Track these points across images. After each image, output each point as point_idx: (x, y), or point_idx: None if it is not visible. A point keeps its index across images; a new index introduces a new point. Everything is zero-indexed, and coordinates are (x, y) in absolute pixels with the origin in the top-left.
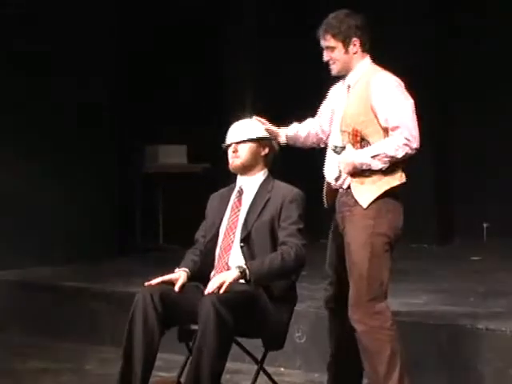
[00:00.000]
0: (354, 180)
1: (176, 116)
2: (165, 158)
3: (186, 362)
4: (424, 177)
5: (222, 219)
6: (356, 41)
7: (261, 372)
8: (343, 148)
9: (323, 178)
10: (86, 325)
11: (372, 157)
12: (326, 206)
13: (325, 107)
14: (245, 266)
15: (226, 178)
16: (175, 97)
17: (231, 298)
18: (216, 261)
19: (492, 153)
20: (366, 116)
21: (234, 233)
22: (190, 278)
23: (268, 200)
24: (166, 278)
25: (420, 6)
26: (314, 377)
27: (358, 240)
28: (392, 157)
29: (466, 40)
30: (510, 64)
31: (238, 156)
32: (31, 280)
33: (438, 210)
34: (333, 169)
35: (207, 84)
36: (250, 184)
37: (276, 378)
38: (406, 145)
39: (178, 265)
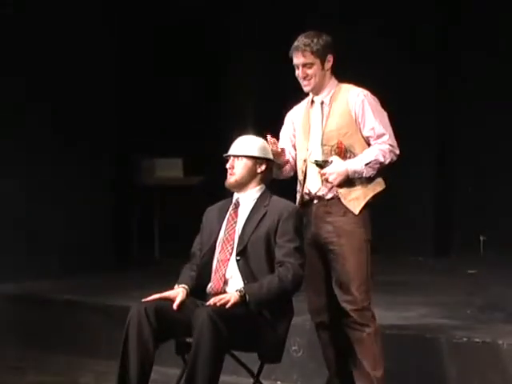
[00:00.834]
0: (342, 190)
1: (172, 129)
2: (161, 171)
3: (182, 374)
4: (423, 190)
5: (219, 231)
6: (330, 57)
7: None
8: (326, 161)
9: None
10: (83, 338)
11: (365, 164)
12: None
13: (285, 135)
14: (244, 290)
15: (223, 191)
16: (172, 109)
17: (227, 310)
18: (213, 273)
19: (491, 168)
20: (349, 128)
21: (231, 245)
22: (188, 294)
23: (264, 214)
24: (165, 294)
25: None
26: None
27: (353, 247)
28: (382, 163)
29: None
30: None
31: (233, 173)
32: (27, 293)
33: (436, 223)
34: (315, 181)
35: (204, 95)
36: (246, 198)
37: None
38: (391, 151)
39: (174, 278)
